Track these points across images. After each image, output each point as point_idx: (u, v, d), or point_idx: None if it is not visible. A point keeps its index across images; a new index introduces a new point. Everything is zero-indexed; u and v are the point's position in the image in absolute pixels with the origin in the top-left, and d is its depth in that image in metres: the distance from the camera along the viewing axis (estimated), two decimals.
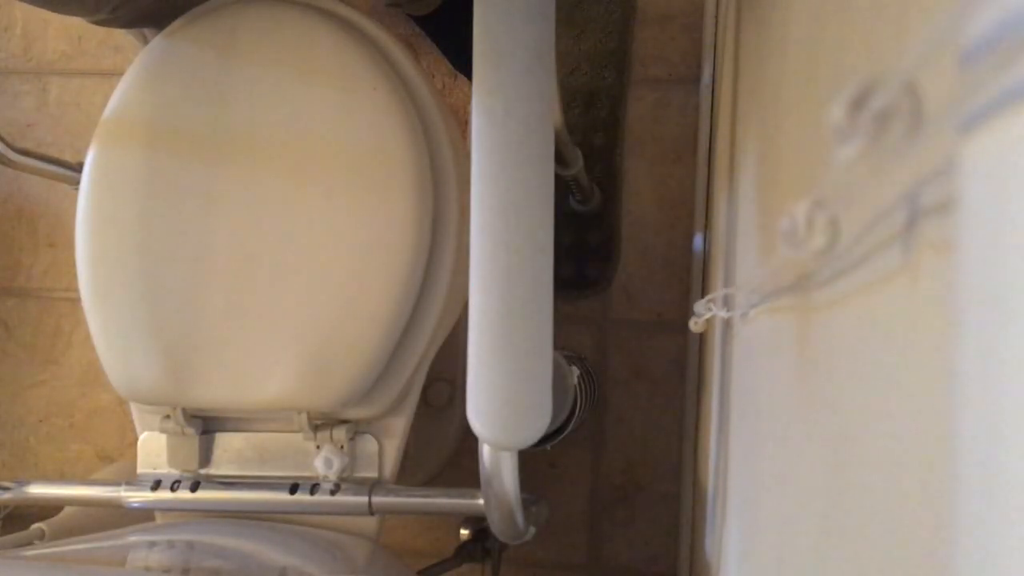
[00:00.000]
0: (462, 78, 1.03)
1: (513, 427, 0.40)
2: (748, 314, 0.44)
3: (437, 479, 0.94)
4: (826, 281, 0.25)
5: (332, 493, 0.61)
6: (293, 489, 0.62)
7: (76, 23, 1.12)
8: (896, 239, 0.18)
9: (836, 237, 0.18)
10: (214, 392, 0.59)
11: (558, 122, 0.76)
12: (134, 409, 0.66)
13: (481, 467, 0.46)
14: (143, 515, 0.66)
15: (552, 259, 0.40)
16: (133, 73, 0.63)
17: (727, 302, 0.45)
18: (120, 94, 0.63)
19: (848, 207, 0.18)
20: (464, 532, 0.80)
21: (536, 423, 0.40)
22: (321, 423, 0.62)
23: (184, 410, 0.62)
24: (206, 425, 0.64)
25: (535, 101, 0.40)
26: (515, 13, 0.40)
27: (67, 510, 0.86)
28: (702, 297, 0.94)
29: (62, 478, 1.09)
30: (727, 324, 0.63)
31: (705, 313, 0.43)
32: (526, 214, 0.40)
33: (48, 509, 0.85)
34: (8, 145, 0.71)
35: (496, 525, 0.51)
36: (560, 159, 0.81)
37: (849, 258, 0.21)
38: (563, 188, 0.92)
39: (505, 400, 0.40)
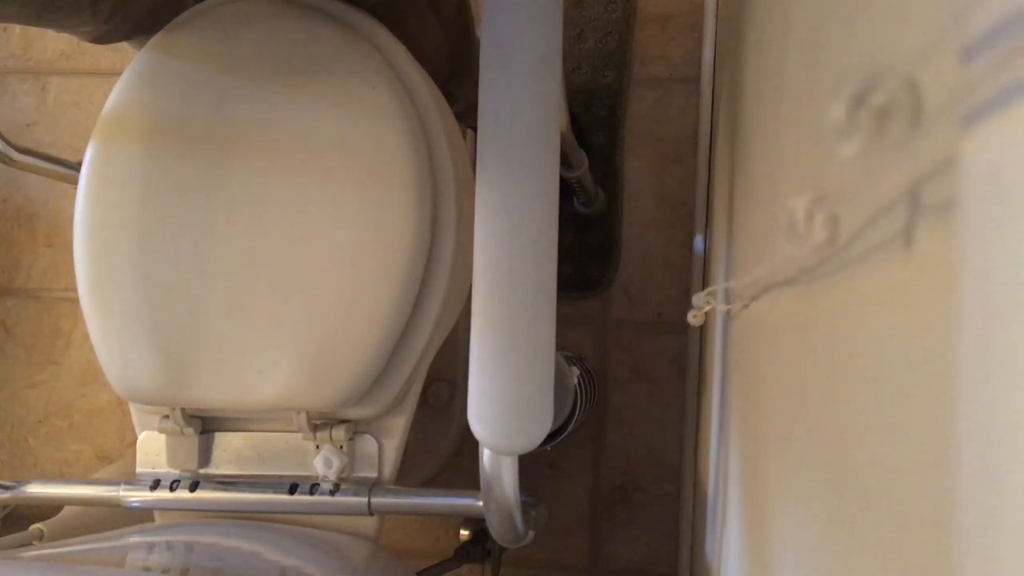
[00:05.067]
0: None
1: (514, 432, 0.40)
2: (748, 306, 0.44)
3: (437, 479, 0.93)
4: (828, 275, 0.25)
5: (331, 493, 0.61)
6: (292, 489, 0.62)
7: None
8: (896, 235, 0.18)
9: (836, 233, 0.18)
10: (213, 392, 0.59)
11: (564, 125, 0.75)
12: (133, 409, 0.66)
13: (481, 471, 0.46)
14: (142, 516, 0.66)
15: (556, 263, 0.40)
16: (132, 72, 0.63)
17: (726, 295, 0.45)
18: (119, 93, 0.62)
19: (848, 203, 0.18)
20: (464, 533, 0.80)
21: (537, 429, 0.40)
22: (320, 423, 0.62)
23: (183, 410, 0.62)
24: (205, 425, 0.64)
25: (541, 104, 0.40)
26: (522, 16, 0.40)
27: (66, 510, 0.86)
28: None
29: (61, 478, 1.09)
30: (727, 323, 0.62)
31: (704, 306, 0.43)
32: (530, 218, 0.39)
33: (47, 509, 0.85)
34: (9, 144, 0.71)
35: (495, 529, 0.51)
36: (565, 161, 0.81)
37: (849, 253, 0.21)
38: (566, 190, 0.92)
39: (506, 405, 0.39)
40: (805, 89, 0.32)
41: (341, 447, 0.62)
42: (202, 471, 0.64)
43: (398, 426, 0.64)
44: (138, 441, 0.66)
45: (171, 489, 0.63)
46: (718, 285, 0.50)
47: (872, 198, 0.18)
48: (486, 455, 0.45)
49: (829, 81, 0.26)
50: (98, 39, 0.64)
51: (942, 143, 0.15)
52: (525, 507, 0.51)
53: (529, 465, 0.98)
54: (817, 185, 0.18)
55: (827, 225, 0.18)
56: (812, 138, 0.29)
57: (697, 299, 0.44)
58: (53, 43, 1.15)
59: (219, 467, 0.64)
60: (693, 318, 0.43)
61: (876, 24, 0.20)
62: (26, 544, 0.78)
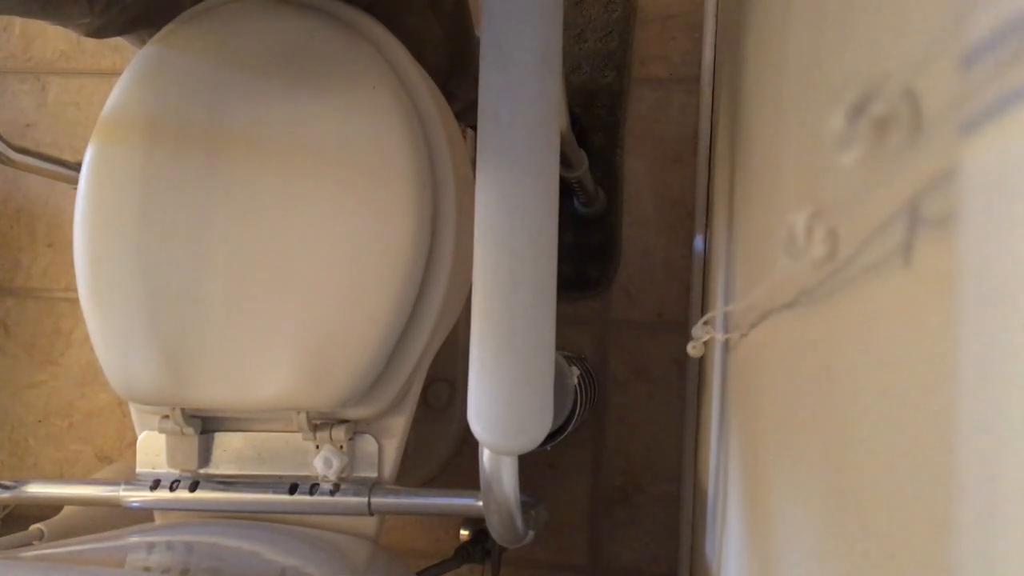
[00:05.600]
0: None
1: (514, 432, 0.40)
2: (747, 334, 0.44)
3: (437, 479, 0.94)
4: (827, 293, 0.25)
5: (331, 493, 0.61)
6: (292, 489, 0.62)
7: None
8: (896, 248, 0.18)
9: (835, 247, 0.18)
10: (213, 392, 0.59)
11: (564, 125, 0.75)
12: (133, 409, 0.66)
13: (481, 471, 0.46)
14: (142, 516, 0.66)
15: (556, 263, 0.40)
16: (132, 71, 0.63)
17: (725, 322, 0.45)
18: (119, 93, 0.62)
19: (848, 216, 0.18)
20: (464, 533, 0.80)
21: (537, 429, 0.40)
22: (320, 423, 0.62)
23: (183, 410, 0.62)
24: (205, 425, 0.64)
25: (542, 104, 0.40)
26: (523, 16, 0.40)
27: (66, 510, 0.86)
28: (702, 298, 0.94)
29: (61, 478, 1.09)
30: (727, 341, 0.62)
31: (703, 336, 0.43)
32: (530, 218, 0.39)
33: (47, 509, 0.85)
34: (8, 144, 0.71)
35: (495, 529, 0.51)
36: (565, 161, 0.81)
37: (849, 268, 0.21)
38: (566, 190, 0.92)
39: (506, 405, 0.39)
40: (804, 95, 0.32)
41: (341, 447, 0.62)
42: (202, 471, 0.64)
43: (398, 426, 0.64)
44: (138, 441, 0.66)
45: (171, 489, 0.63)
46: (719, 310, 0.50)
47: (871, 211, 0.18)
48: (486, 455, 0.45)
49: (828, 89, 0.26)
50: (95, 32, 0.64)
51: (941, 152, 0.15)
52: (525, 507, 0.51)
53: (529, 465, 0.98)
54: (816, 196, 0.18)
55: (827, 240, 0.18)
56: (811, 145, 0.29)
57: (696, 329, 0.44)
58: (53, 43, 1.15)
59: (219, 467, 0.64)
60: (692, 349, 0.43)
61: (874, 31, 0.20)
62: (26, 544, 0.78)
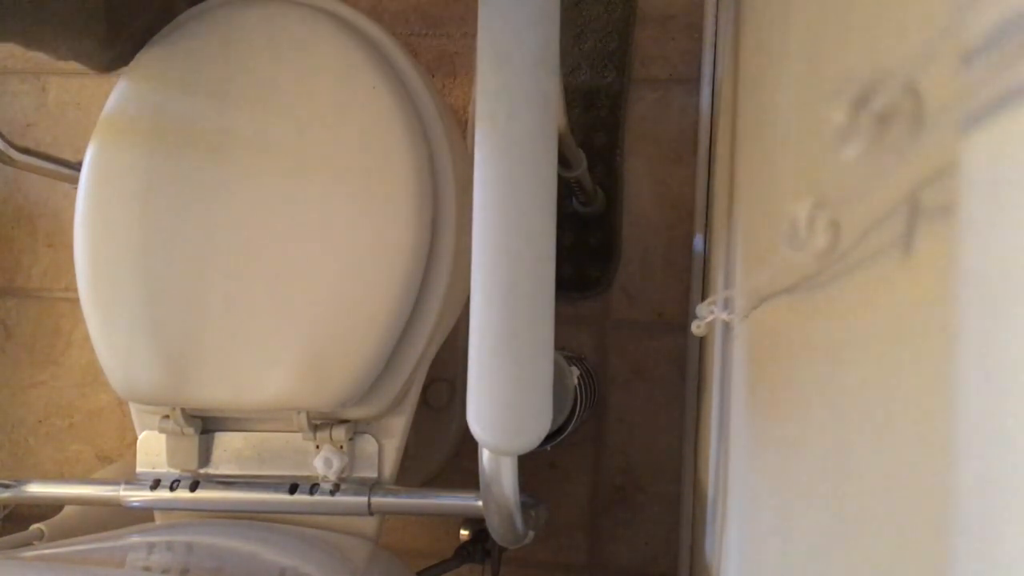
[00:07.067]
0: (461, 77, 1.03)
1: (513, 432, 0.40)
2: (749, 315, 0.44)
3: (437, 479, 0.94)
4: (827, 282, 0.25)
5: (331, 493, 0.61)
6: (292, 489, 0.62)
7: None
8: (896, 239, 0.18)
9: (837, 238, 0.18)
10: (213, 392, 0.59)
11: (562, 125, 0.75)
12: (133, 409, 0.66)
13: (481, 471, 0.46)
14: (142, 516, 0.66)
15: (554, 264, 0.40)
16: (133, 72, 0.63)
17: (728, 304, 0.45)
18: (119, 92, 0.63)
19: (849, 208, 0.18)
20: (464, 533, 0.80)
21: (537, 429, 0.40)
22: (321, 423, 0.62)
23: (183, 410, 0.62)
24: (205, 425, 0.64)
25: (539, 104, 0.40)
26: (519, 15, 0.40)
27: (66, 510, 0.86)
28: (702, 297, 0.94)
29: (61, 478, 1.09)
30: (728, 324, 0.62)
31: (707, 316, 0.43)
32: (529, 219, 0.39)
33: (47, 509, 0.85)
34: (10, 144, 0.71)
35: (495, 529, 0.51)
36: (564, 161, 0.81)
37: (850, 258, 0.21)
38: (565, 190, 0.92)
39: (506, 405, 0.39)
40: (805, 91, 0.32)
41: (341, 447, 0.62)
42: (202, 471, 0.64)
43: (398, 426, 0.64)
44: (138, 441, 0.66)
45: (171, 489, 0.63)
46: (720, 294, 0.50)
47: (873, 203, 0.18)
48: (485, 455, 0.45)
49: (829, 84, 0.26)
50: (108, 66, 0.64)
51: (942, 147, 0.15)
52: (525, 507, 0.51)
53: (529, 465, 0.98)
54: (818, 189, 0.18)
55: (828, 231, 0.18)
56: (812, 141, 0.29)
57: (700, 309, 0.44)
58: None
59: (219, 467, 0.64)
60: (696, 328, 0.43)
61: (876, 27, 0.20)
62: (26, 544, 0.78)
